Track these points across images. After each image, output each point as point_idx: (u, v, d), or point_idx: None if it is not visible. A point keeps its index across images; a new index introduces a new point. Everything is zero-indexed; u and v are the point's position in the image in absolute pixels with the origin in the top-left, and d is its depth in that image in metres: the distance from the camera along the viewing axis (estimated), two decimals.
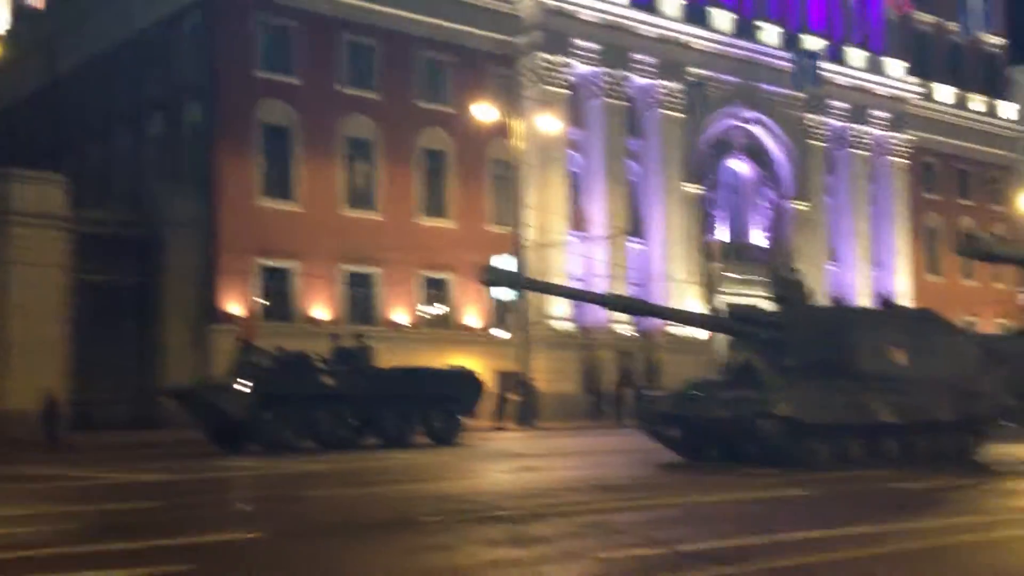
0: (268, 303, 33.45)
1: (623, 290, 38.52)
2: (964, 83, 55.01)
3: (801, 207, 46.39)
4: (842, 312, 20.45)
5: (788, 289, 19.47)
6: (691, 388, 18.83)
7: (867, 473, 16.04)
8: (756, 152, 46.11)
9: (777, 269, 21.52)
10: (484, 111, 33.93)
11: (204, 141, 33.88)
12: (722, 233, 44.61)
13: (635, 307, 24.00)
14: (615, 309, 23.11)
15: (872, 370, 17.69)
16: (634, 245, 40.87)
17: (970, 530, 9.68)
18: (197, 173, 33.98)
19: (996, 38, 55.82)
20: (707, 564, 8.00)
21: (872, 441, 17.37)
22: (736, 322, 19.99)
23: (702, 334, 38.39)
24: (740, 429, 16.86)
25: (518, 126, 34.08)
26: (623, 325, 38.95)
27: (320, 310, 34.18)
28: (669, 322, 40.04)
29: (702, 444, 18.42)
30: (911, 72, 51.34)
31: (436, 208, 37.36)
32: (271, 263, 33.62)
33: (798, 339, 17.93)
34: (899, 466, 16.69)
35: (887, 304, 21.70)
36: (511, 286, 19.35)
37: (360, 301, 35.24)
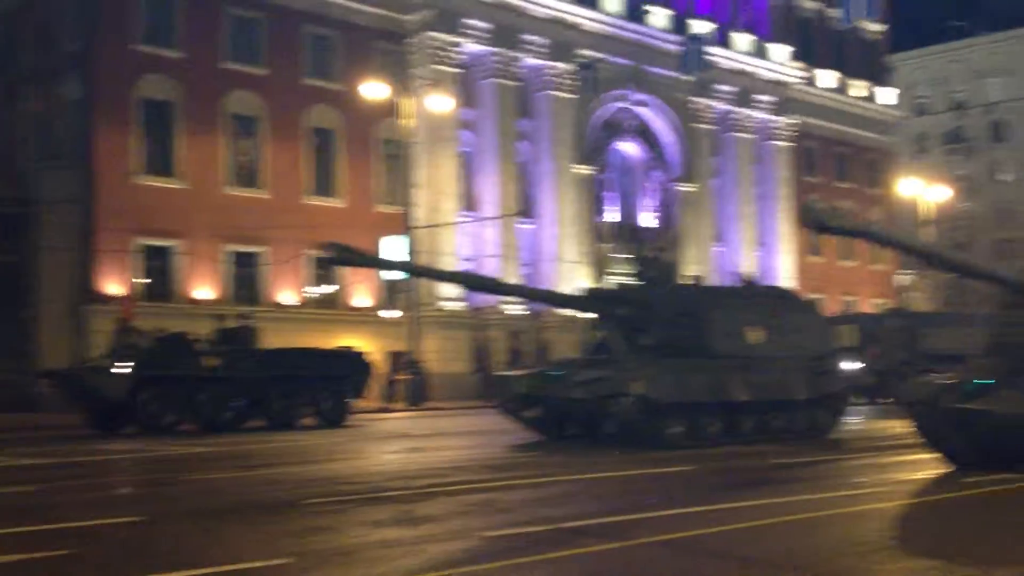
0: (149, 283, 32.63)
1: (515, 271, 38.78)
2: (845, 69, 56.56)
3: (688, 189, 47.18)
4: (700, 291, 20.04)
5: (651, 269, 19.58)
6: (551, 368, 18.85)
7: (742, 449, 16.44)
8: (645, 134, 46.68)
9: (642, 249, 21.25)
10: (373, 89, 33.51)
11: (82, 116, 32.70)
12: (612, 214, 45.13)
13: (487, 286, 23.34)
14: (468, 287, 22.85)
15: (727, 349, 17.86)
16: (525, 226, 40.99)
17: (839, 503, 10.12)
18: (75, 149, 32.80)
19: (876, 25, 57.38)
20: (591, 540, 8.12)
21: (728, 419, 17.58)
22: (593, 301, 19.82)
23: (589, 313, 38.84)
24: (596, 409, 16.89)
25: (408, 105, 33.77)
26: (513, 305, 39.09)
27: (203, 290, 33.45)
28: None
29: (561, 424, 18.50)
30: (795, 57, 52.58)
31: (324, 187, 36.85)
32: (152, 242, 32.71)
33: (657, 318, 18.04)
34: (754, 444, 17.03)
35: (746, 283, 21.65)
36: (355, 264, 18.84)
37: (245, 281, 34.57)
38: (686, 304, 18.42)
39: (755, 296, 20.24)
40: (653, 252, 21.30)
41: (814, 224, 10.78)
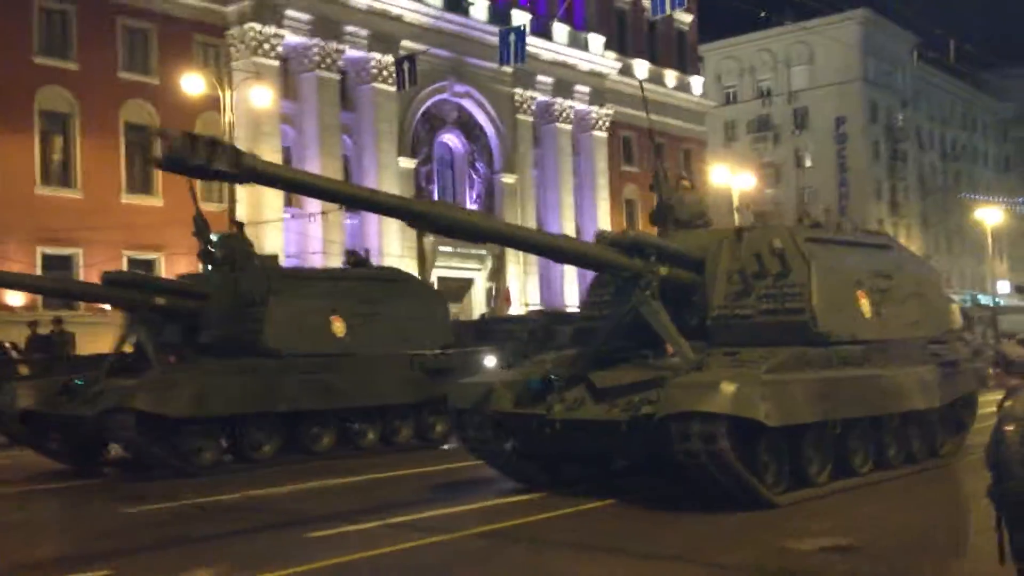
0: None
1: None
2: (658, 59, 58.32)
3: (509, 180, 48.11)
4: (269, 275, 15.53)
5: (222, 248, 15.72)
6: (77, 375, 14.70)
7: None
8: (468, 126, 47.36)
9: (197, 220, 15.87)
10: (192, 83, 32.95)
11: None
12: None
13: None
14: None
15: (295, 344, 14.73)
16: (350, 221, 41.05)
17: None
18: None
19: (686, 15, 59.20)
20: (335, 552, 8.43)
21: (292, 434, 14.74)
22: (112, 289, 15.20)
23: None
24: (102, 428, 13.49)
25: (228, 99, 33.41)
26: None
27: (15, 296, 32.31)
28: None
29: (88, 447, 14.81)
30: (610, 48, 54.02)
31: (142, 185, 36.09)
32: None
33: (214, 310, 14.89)
34: (334, 457, 14.77)
35: (356, 264, 17.72)
36: None
37: None
38: (249, 291, 14.90)
39: (350, 279, 16.52)
40: (234, 227, 16.82)
41: (169, 163, 7.27)
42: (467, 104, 47.01)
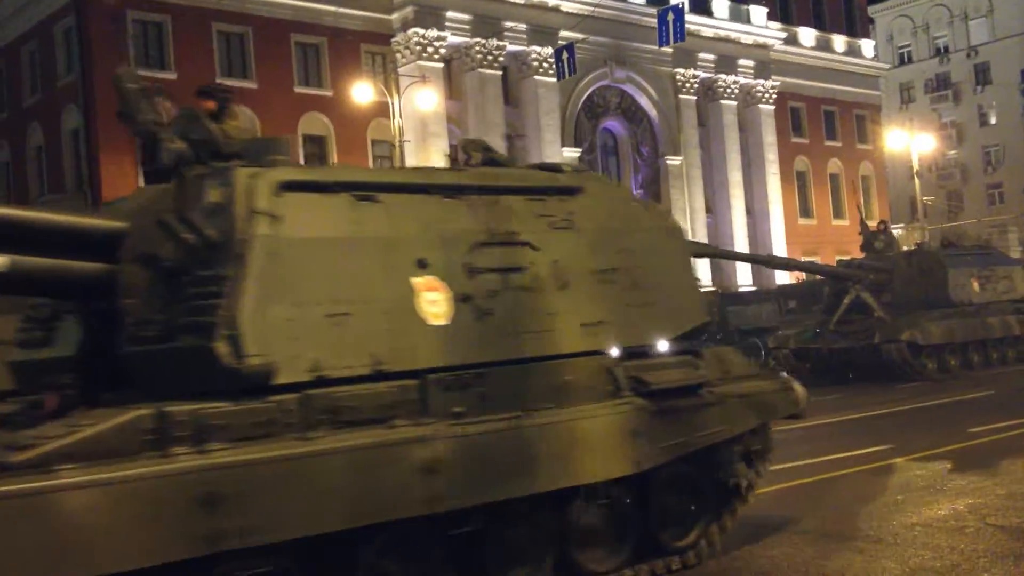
0: None
1: None
2: (825, 25, 56.84)
3: (675, 162, 48.02)
4: None
5: None
6: None
7: None
8: (630, 111, 47.53)
9: None
10: (362, 92, 34.53)
11: (85, 147, 33.95)
12: None
13: None
14: None
15: None
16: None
17: None
18: (80, 180, 34.09)
19: None
20: None
21: None
22: None
23: None
24: None
25: (396, 104, 34.79)
26: None
27: None
28: None
29: None
30: (773, 18, 52.99)
31: None
32: None
33: None
34: None
35: None
36: None
37: None
38: None
39: None
40: None
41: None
42: (628, 89, 47.17)
